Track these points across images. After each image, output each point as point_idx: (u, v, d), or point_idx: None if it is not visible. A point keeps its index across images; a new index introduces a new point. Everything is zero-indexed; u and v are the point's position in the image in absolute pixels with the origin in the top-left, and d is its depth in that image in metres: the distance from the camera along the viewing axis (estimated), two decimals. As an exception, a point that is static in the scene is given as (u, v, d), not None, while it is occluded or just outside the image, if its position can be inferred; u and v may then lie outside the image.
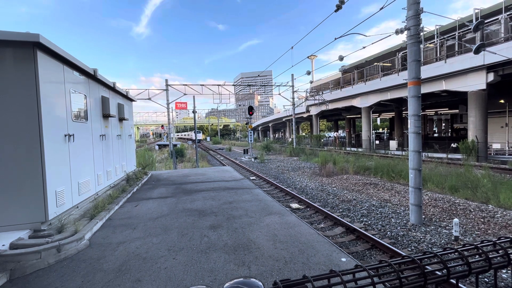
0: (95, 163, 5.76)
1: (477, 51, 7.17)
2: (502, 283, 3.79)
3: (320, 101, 29.33)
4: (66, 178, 4.43)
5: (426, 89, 18.21)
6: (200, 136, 60.67)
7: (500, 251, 0.67)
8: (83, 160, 5.15)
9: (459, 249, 0.64)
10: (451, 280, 0.64)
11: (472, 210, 6.69)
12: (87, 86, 5.55)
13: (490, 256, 0.65)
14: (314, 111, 33.98)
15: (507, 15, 15.19)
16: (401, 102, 24.45)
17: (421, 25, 6.08)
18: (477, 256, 0.68)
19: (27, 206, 3.72)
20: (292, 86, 27.56)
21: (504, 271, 4.00)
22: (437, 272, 0.62)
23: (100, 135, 6.15)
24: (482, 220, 6.10)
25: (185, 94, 24.47)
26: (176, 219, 4.82)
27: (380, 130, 54.92)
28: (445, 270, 0.61)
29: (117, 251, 3.56)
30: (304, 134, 55.65)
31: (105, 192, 6.12)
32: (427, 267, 0.61)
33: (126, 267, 3.13)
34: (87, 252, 3.56)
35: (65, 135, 4.44)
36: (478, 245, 0.67)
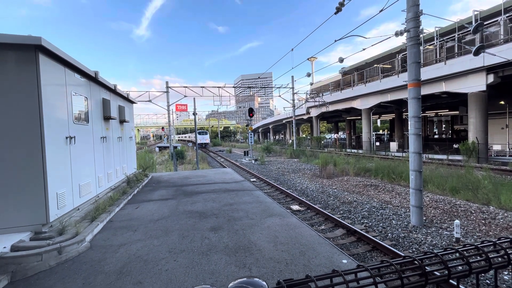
0: (96, 165, 5.77)
1: (476, 53, 7.20)
2: (504, 285, 3.78)
3: (320, 102, 29.38)
4: (67, 180, 4.44)
5: (426, 90, 18.24)
6: (207, 138, 46.11)
7: (500, 251, 0.68)
8: (84, 162, 5.16)
9: (459, 250, 0.65)
10: (451, 281, 0.64)
11: (473, 211, 6.68)
12: (88, 88, 5.57)
13: (491, 256, 0.65)
14: (314, 112, 34.01)
15: (507, 16, 15.24)
16: (401, 104, 24.48)
17: (421, 27, 6.11)
18: (477, 256, 0.68)
19: (28, 208, 3.72)
20: (292, 88, 27.62)
21: (505, 272, 3.99)
22: (438, 272, 0.63)
23: (101, 137, 6.17)
24: (483, 221, 6.09)
25: (185, 96, 24.54)
26: (177, 221, 4.82)
27: (381, 132, 54.92)
28: (446, 270, 0.62)
29: (118, 253, 3.56)
30: (304, 135, 55.64)
31: (106, 194, 6.13)
32: (427, 267, 0.62)
33: (127, 269, 3.13)
34: (88, 254, 3.56)
35: (66, 137, 4.46)
36: (479, 246, 0.68)
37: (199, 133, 45.21)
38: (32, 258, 3.17)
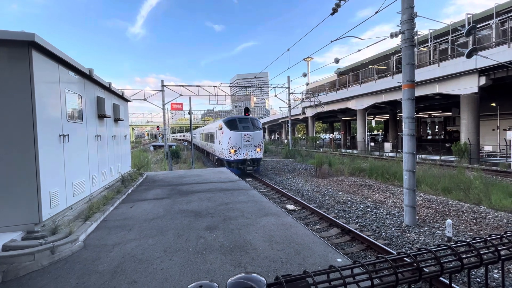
0: (89, 164, 5.70)
1: (469, 55, 7.32)
2: (494, 283, 3.86)
3: (315, 103, 29.52)
4: (60, 179, 4.38)
5: (420, 92, 18.49)
6: (259, 141, 14.41)
7: (490, 248, 0.70)
8: (77, 160, 5.09)
9: (452, 246, 0.67)
10: (442, 278, 0.66)
11: (464, 211, 6.80)
12: (82, 86, 5.51)
13: (482, 252, 0.67)
14: (309, 113, 34.17)
15: (499, 20, 15.54)
16: (395, 105, 24.76)
17: (415, 29, 6.19)
18: (469, 252, 0.70)
19: (21, 207, 3.66)
20: (288, 88, 27.69)
21: (496, 270, 4.08)
22: (430, 268, 0.65)
23: (95, 136, 6.10)
24: (474, 221, 6.21)
25: (181, 95, 24.38)
26: (172, 220, 4.80)
27: (375, 132, 55.47)
28: (438, 265, 0.63)
29: (112, 252, 3.53)
30: (300, 135, 55.81)
31: (100, 193, 6.06)
32: (421, 263, 0.63)
33: (121, 268, 3.11)
34: (82, 253, 3.52)
35: (60, 136, 4.40)
36: (470, 242, 0.70)
37: (230, 122, 14.40)
38: (24, 258, 3.12)
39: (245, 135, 13.64)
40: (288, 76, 27.63)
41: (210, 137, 11.41)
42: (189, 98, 20.43)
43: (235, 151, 13.46)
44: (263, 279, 0.52)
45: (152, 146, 40.62)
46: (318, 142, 33.37)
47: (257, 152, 14.06)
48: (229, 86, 27.94)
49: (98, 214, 4.85)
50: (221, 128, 12.67)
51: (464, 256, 0.66)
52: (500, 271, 4.03)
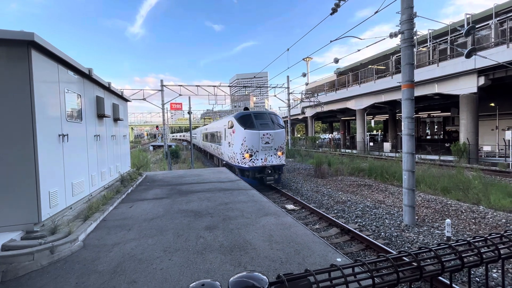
0: (89, 163, 5.70)
1: (468, 55, 7.33)
2: (493, 283, 3.87)
3: (315, 103, 29.55)
4: (59, 179, 4.37)
5: (419, 92, 18.51)
6: (281, 143, 11.02)
7: (491, 247, 0.70)
8: (77, 160, 5.09)
9: (452, 245, 0.67)
10: (442, 278, 0.66)
11: (463, 211, 6.82)
12: (81, 85, 5.50)
13: (482, 251, 0.68)
14: (309, 113, 34.19)
15: (498, 20, 15.57)
16: (394, 105, 24.79)
17: (415, 29, 6.20)
18: (469, 251, 0.71)
19: (20, 207, 3.65)
20: (288, 88, 27.70)
21: (495, 270, 4.09)
22: (432, 266, 0.65)
23: (95, 135, 6.09)
24: (473, 220, 6.22)
25: (180, 95, 24.33)
26: (172, 220, 4.80)
27: (374, 132, 55.55)
28: (439, 264, 0.63)
29: (112, 252, 3.53)
30: (299, 135, 55.79)
31: (99, 193, 6.05)
32: (422, 261, 0.63)
33: (121, 268, 3.11)
34: (81, 253, 3.52)
35: (59, 135, 4.39)
36: (471, 241, 0.70)
37: (243, 118, 10.99)
38: (23, 258, 3.11)
39: (264, 135, 10.46)
40: (288, 76, 27.66)
41: (216, 137, 9.90)
42: (189, 98, 20.42)
43: (251, 155, 10.48)
44: (265, 277, 0.52)
45: (151, 146, 40.59)
46: (317, 142, 33.38)
47: (279, 157, 10.92)
48: (229, 86, 27.94)
49: (98, 214, 4.84)
50: (231, 126, 10.59)
51: (464, 255, 0.66)
52: (500, 270, 4.04)
